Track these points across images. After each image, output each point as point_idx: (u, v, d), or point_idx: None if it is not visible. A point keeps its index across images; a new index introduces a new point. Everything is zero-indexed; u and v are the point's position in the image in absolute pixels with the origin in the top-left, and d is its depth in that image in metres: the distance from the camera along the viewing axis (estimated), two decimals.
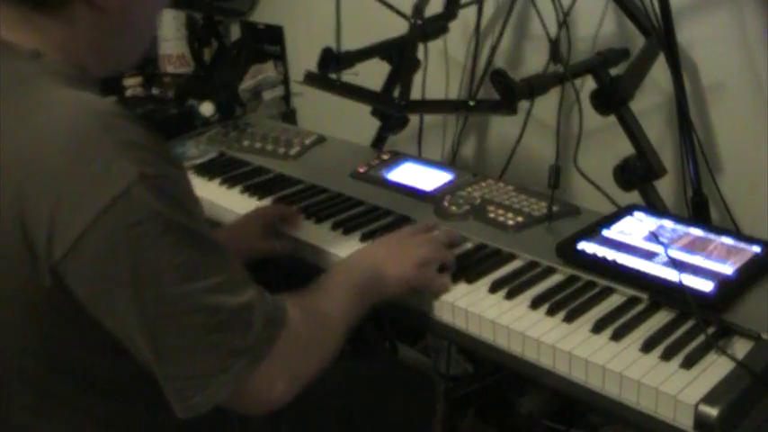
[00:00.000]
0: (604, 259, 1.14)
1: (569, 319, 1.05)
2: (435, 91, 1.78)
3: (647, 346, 0.98)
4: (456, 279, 1.15)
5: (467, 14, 1.64)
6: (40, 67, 0.85)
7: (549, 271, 1.17)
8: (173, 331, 0.80)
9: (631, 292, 1.09)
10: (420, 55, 1.61)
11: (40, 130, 0.79)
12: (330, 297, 1.00)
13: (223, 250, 0.85)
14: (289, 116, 2.19)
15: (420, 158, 1.60)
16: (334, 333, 0.97)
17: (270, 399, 0.88)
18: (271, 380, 0.86)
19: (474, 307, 1.09)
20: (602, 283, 1.12)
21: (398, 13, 1.34)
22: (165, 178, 0.80)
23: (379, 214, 1.38)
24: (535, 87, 1.23)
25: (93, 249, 0.77)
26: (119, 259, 0.78)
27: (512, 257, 1.21)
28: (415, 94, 1.41)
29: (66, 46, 0.88)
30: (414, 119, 1.72)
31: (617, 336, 1.01)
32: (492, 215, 1.31)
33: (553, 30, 1.26)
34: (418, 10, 1.33)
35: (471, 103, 1.26)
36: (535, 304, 1.08)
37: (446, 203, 1.36)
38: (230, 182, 1.57)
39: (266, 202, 1.47)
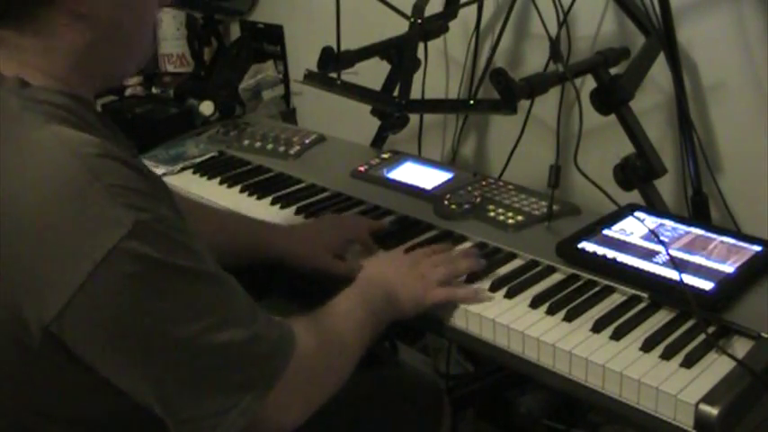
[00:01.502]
0: (605, 258, 1.14)
1: (569, 318, 1.05)
2: (435, 90, 1.78)
3: (648, 346, 0.98)
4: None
5: (467, 14, 1.64)
6: (25, 101, 0.79)
7: (550, 270, 1.17)
8: (178, 376, 0.78)
9: (632, 291, 1.09)
10: (420, 54, 1.61)
11: (24, 180, 0.74)
12: (343, 319, 0.97)
13: (225, 279, 0.82)
14: (289, 115, 2.19)
15: (420, 158, 1.60)
16: (347, 356, 0.95)
17: (283, 425, 0.86)
18: (283, 407, 0.85)
19: (474, 306, 1.09)
20: (603, 282, 1.12)
21: (398, 12, 1.34)
22: (160, 221, 0.76)
23: (380, 213, 1.38)
24: (535, 87, 1.23)
25: (89, 305, 0.73)
26: (118, 312, 0.74)
27: (512, 257, 1.21)
28: (415, 93, 1.41)
29: (45, 66, 0.82)
30: (414, 118, 1.72)
31: (617, 335, 1.01)
32: (492, 214, 1.31)
33: (553, 29, 1.26)
34: (418, 9, 1.33)
35: (471, 103, 1.26)
36: (535, 303, 1.08)
37: (446, 202, 1.36)
38: (230, 181, 1.57)
39: (266, 201, 1.47)
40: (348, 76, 1.42)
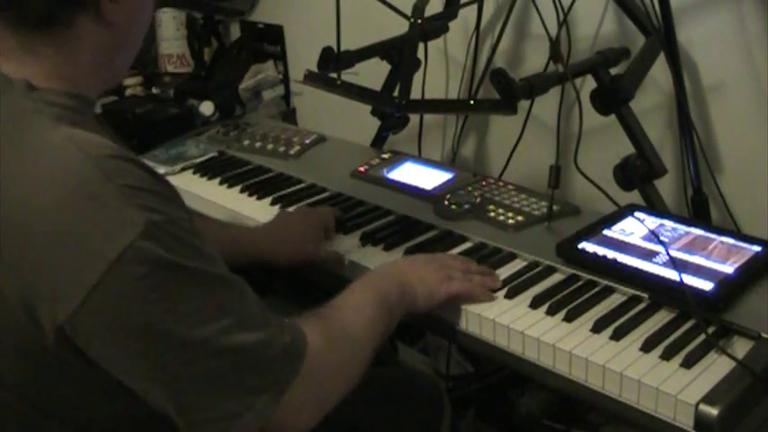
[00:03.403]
0: (605, 259, 1.14)
1: (569, 318, 1.05)
2: (435, 91, 1.78)
3: (648, 346, 0.98)
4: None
5: (467, 14, 1.64)
6: (35, 103, 0.80)
7: (550, 270, 1.17)
8: (192, 378, 0.78)
9: (632, 291, 1.09)
10: (420, 55, 1.61)
11: (39, 180, 0.75)
12: (355, 316, 0.96)
13: (237, 284, 0.82)
14: (289, 116, 2.19)
15: (420, 158, 1.60)
16: (358, 355, 0.94)
17: (296, 427, 0.86)
18: (296, 409, 0.84)
19: (474, 306, 1.09)
20: (603, 282, 1.12)
21: (398, 12, 1.33)
22: (172, 222, 0.77)
23: (380, 214, 1.38)
24: (535, 87, 1.23)
25: (102, 306, 0.74)
26: (130, 313, 0.75)
27: (512, 257, 1.21)
28: (415, 93, 1.40)
29: (64, 72, 0.83)
30: (414, 118, 1.72)
31: (617, 335, 1.01)
32: (492, 214, 1.31)
33: (553, 29, 1.26)
34: (418, 9, 1.33)
35: (471, 103, 1.26)
36: (535, 304, 1.08)
37: (446, 203, 1.36)
38: (230, 181, 1.57)
39: (266, 201, 1.47)
40: (348, 76, 1.42)
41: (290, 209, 1.42)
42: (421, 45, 1.60)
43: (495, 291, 1.12)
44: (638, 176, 1.33)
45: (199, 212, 1.40)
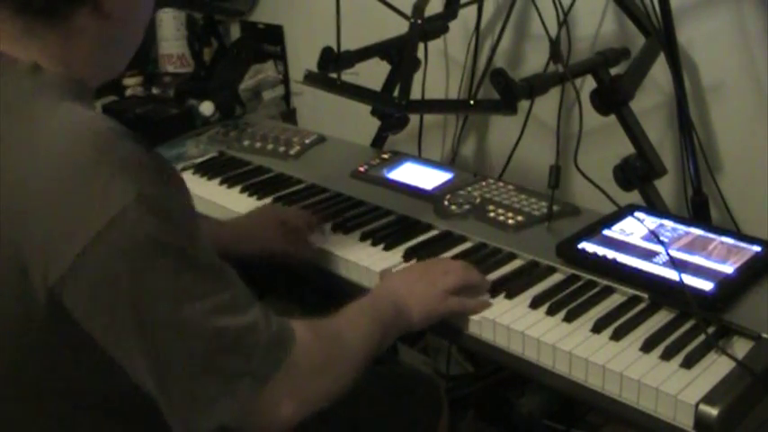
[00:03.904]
0: (604, 259, 1.14)
1: (569, 318, 1.05)
2: (435, 91, 1.78)
3: (648, 346, 0.98)
4: None
5: (467, 14, 1.64)
6: (39, 82, 0.83)
7: (550, 270, 1.17)
8: (174, 355, 0.79)
9: (631, 291, 1.09)
10: (420, 55, 1.61)
11: (38, 151, 0.78)
12: (351, 325, 0.98)
13: (225, 269, 0.83)
14: (289, 116, 2.19)
15: (420, 158, 1.60)
16: (350, 360, 0.94)
17: (276, 421, 0.85)
18: (277, 402, 0.84)
19: None
20: (603, 282, 1.12)
21: (398, 12, 1.33)
22: (164, 198, 0.79)
23: (380, 214, 1.38)
24: (535, 87, 1.23)
25: (90, 272, 0.76)
26: (117, 282, 0.76)
27: (512, 257, 1.21)
28: (415, 93, 1.40)
29: (65, 58, 0.86)
30: (414, 119, 1.72)
31: (617, 335, 1.01)
32: (492, 215, 1.31)
33: (553, 29, 1.26)
34: (418, 10, 1.33)
35: (471, 103, 1.26)
36: (535, 304, 1.08)
37: (446, 203, 1.36)
38: (230, 181, 1.57)
39: (266, 201, 1.47)
40: (348, 76, 1.42)
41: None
42: (421, 45, 1.60)
43: (494, 291, 1.12)
44: (638, 176, 1.33)
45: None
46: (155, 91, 2.15)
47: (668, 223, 1.22)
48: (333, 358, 0.92)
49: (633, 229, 1.21)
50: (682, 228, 1.20)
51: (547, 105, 1.41)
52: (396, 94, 1.31)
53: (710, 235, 1.18)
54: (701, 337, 0.98)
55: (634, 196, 1.34)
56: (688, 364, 0.94)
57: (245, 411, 0.82)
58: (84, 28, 0.86)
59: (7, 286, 0.78)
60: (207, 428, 0.81)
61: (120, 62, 0.95)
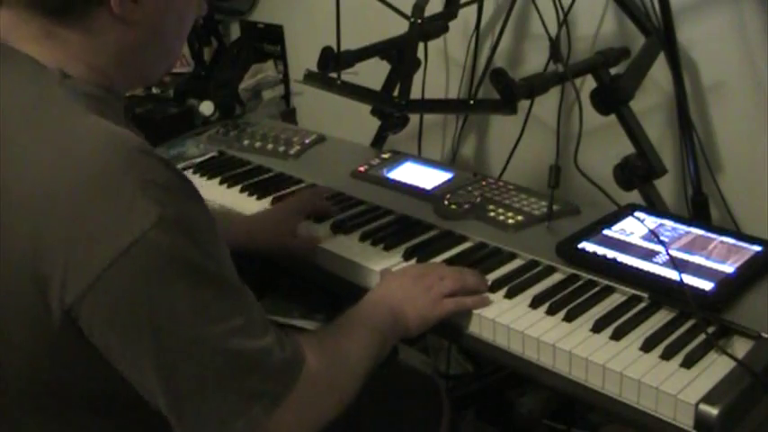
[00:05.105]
0: (605, 258, 1.14)
1: (569, 318, 1.05)
2: (435, 90, 1.78)
3: (648, 346, 0.98)
4: None
5: (467, 14, 1.64)
6: (67, 91, 0.82)
7: (550, 270, 1.17)
8: (190, 376, 0.78)
9: (631, 291, 1.09)
10: (420, 55, 1.61)
11: (62, 163, 0.77)
12: (350, 339, 0.97)
13: (243, 291, 0.83)
14: (288, 115, 2.19)
15: (420, 158, 1.60)
16: (353, 376, 0.95)
17: None
18: (287, 424, 0.84)
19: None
20: (603, 282, 1.12)
21: (398, 12, 1.33)
22: (186, 219, 0.78)
23: (380, 214, 1.38)
24: (535, 87, 1.23)
25: (109, 293, 0.75)
26: (136, 303, 0.76)
27: (512, 257, 1.21)
28: (415, 93, 1.41)
29: (90, 60, 0.85)
30: (414, 118, 1.72)
31: (617, 335, 1.01)
32: (492, 214, 1.31)
33: (553, 29, 1.26)
34: (418, 9, 1.33)
35: (471, 103, 1.26)
36: (535, 303, 1.08)
37: (446, 202, 1.36)
38: (230, 181, 1.57)
39: (266, 201, 1.47)
40: (348, 76, 1.42)
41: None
42: (421, 45, 1.60)
43: (494, 291, 1.12)
44: (638, 176, 1.33)
45: None
46: (155, 91, 2.15)
47: (668, 223, 1.22)
48: (337, 376, 0.93)
49: (633, 228, 1.21)
50: (682, 227, 1.20)
51: (547, 105, 1.41)
52: (396, 93, 1.32)
53: (710, 235, 1.18)
54: (701, 337, 0.98)
55: (634, 196, 1.34)
56: (688, 363, 0.94)
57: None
58: (105, 31, 0.84)
59: (22, 298, 0.77)
60: None
61: (152, 70, 0.94)
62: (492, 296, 1.11)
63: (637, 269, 1.11)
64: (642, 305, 1.07)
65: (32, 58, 0.83)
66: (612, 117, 1.34)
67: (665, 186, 1.45)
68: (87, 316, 0.76)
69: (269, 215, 1.37)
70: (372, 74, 1.52)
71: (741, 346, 0.98)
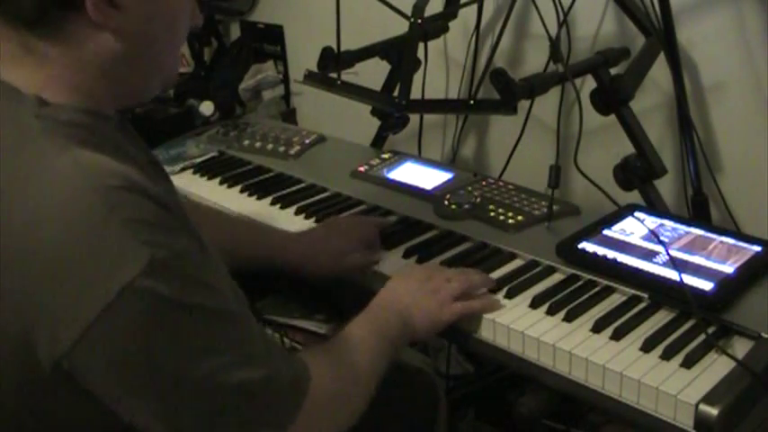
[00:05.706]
0: (605, 258, 1.14)
1: (569, 318, 1.05)
2: (435, 91, 1.78)
3: (648, 346, 0.98)
4: None
5: (467, 14, 1.64)
6: (45, 123, 0.76)
7: (550, 270, 1.17)
8: (191, 414, 0.77)
9: (631, 291, 1.09)
10: (420, 55, 1.61)
11: (42, 213, 0.72)
12: (356, 349, 0.96)
13: (241, 318, 0.81)
14: (289, 116, 2.19)
15: (420, 158, 1.60)
16: (363, 387, 0.93)
17: None
18: None
19: None
20: (603, 282, 1.12)
21: (398, 12, 1.33)
22: (177, 258, 0.74)
23: (380, 214, 1.38)
24: (535, 87, 1.23)
25: (102, 342, 0.72)
26: (131, 350, 0.73)
27: (512, 257, 1.21)
28: (415, 93, 1.40)
29: (72, 77, 0.79)
30: (414, 118, 1.72)
31: (617, 335, 1.01)
32: (492, 214, 1.31)
33: (553, 29, 1.26)
34: (418, 9, 1.33)
35: (471, 103, 1.26)
36: (535, 304, 1.08)
37: (446, 203, 1.36)
38: (230, 181, 1.57)
39: (266, 201, 1.47)
40: (348, 76, 1.42)
41: (344, 215, 1.37)
42: (421, 45, 1.60)
43: (493, 292, 1.12)
44: (638, 176, 1.33)
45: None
46: None
47: (668, 223, 1.22)
48: (346, 388, 0.92)
49: (633, 228, 1.21)
50: (682, 228, 1.20)
51: (547, 105, 1.41)
52: (396, 94, 1.32)
53: (710, 235, 1.18)
54: (701, 337, 0.98)
55: (634, 196, 1.34)
56: (688, 363, 0.94)
57: None
58: (84, 39, 0.78)
59: (9, 352, 0.75)
60: None
61: (143, 86, 0.87)
62: (494, 297, 1.11)
63: (637, 269, 1.11)
64: (642, 305, 1.07)
65: (10, 85, 0.78)
66: (612, 117, 1.34)
67: (665, 186, 1.45)
68: (81, 366, 0.73)
69: (325, 241, 1.24)
70: (372, 74, 1.52)
71: (741, 347, 0.98)
